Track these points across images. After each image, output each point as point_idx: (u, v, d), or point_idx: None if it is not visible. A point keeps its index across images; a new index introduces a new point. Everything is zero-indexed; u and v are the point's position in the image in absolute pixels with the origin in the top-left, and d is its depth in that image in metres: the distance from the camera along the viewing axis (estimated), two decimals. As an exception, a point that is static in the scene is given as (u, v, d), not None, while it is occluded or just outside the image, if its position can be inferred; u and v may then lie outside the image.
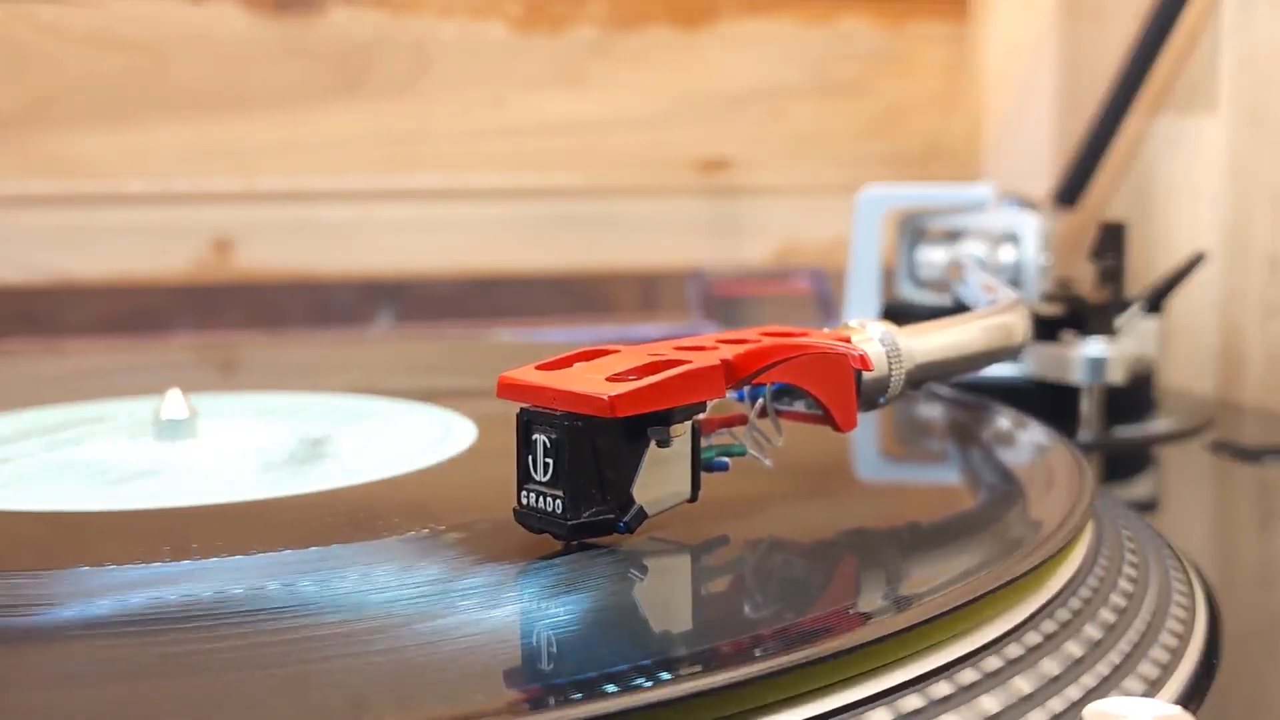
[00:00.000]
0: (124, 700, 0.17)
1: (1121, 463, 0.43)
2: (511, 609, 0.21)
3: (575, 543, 0.23)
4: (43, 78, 0.61)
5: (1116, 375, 0.44)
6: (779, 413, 0.26)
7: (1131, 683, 0.21)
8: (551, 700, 0.17)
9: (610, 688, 0.17)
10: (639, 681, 0.17)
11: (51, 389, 0.41)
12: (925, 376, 0.28)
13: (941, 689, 0.19)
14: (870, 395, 0.26)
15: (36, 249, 0.61)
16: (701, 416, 0.23)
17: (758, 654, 0.18)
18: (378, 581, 0.22)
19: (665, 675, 0.17)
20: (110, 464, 0.30)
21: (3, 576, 0.22)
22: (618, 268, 0.68)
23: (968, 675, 0.20)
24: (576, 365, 0.23)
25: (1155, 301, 0.47)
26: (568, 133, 0.67)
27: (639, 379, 0.22)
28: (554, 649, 0.19)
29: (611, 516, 0.22)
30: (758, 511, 0.26)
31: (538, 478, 0.22)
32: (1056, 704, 0.20)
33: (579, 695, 0.17)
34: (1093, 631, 0.23)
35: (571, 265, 0.68)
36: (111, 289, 0.62)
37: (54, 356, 0.55)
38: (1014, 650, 0.21)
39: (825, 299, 0.63)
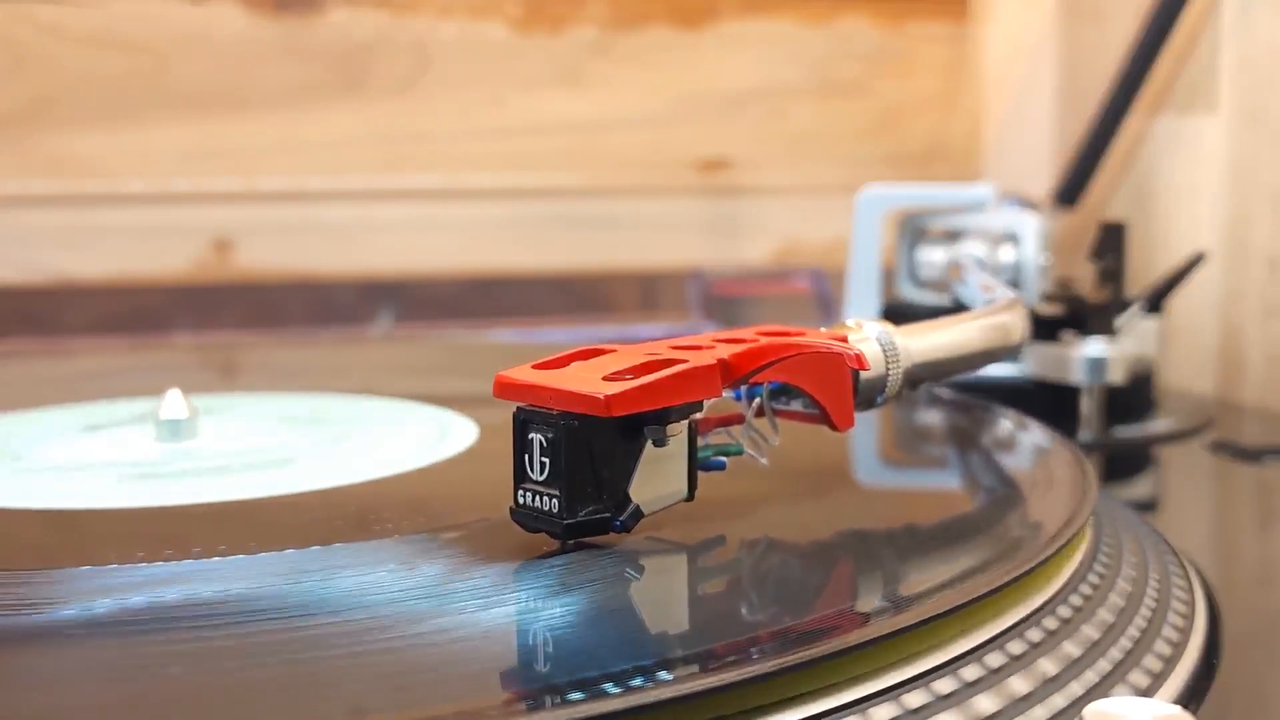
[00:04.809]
0: (125, 700, 0.17)
1: (1121, 463, 0.42)
2: (510, 609, 0.21)
3: (572, 542, 0.23)
4: (43, 78, 0.61)
5: (1116, 375, 0.44)
6: (776, 412, 0.26)
7: (1131, 682, 0.21)
8: (550, 700, 0.17)
9: (610, 687, 0.17)
10: (638, 681, 0.17)
11: (51, 389, 0.41)
12: (923, 376, 0.28)
13: (941, 687, 0.20)
14: (868, 395, 0.26)
15: (36, 249, 0.61)
16: (698, 416, 0.23)
17: (755, 655, 0.18)
18: (378, 581, 0.22)
19: (665, 675, 0.17)
20: (110, 464, 0.30)
21: (3, 576, 0.22)
22: (618, 268, 0.68)
23: (967, 674, 0.20)
24: (573, 365, 0.23)
25: (1155, 301, 0.47)
26: (567, 133, 0.67)
27: (635, 378, 0.22)
28: (553, 649, 0.19)
29: (608, 515, 0.22)
30: (755, 511, 0.26)
31: (534, 477, 0.22)
32: (1057, 703, 0.20)
33: (579, 695, 0.17)
34: (1092, 631, 0.23)
35: (571, 265, 0.68)
36: (111, 289, 0.62)
37: (54, 356, 0.55)
38: (1014, 649, 0.21)
39: (825, 299, 0.63)
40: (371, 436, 0.33)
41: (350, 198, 0.65)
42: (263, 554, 0.23)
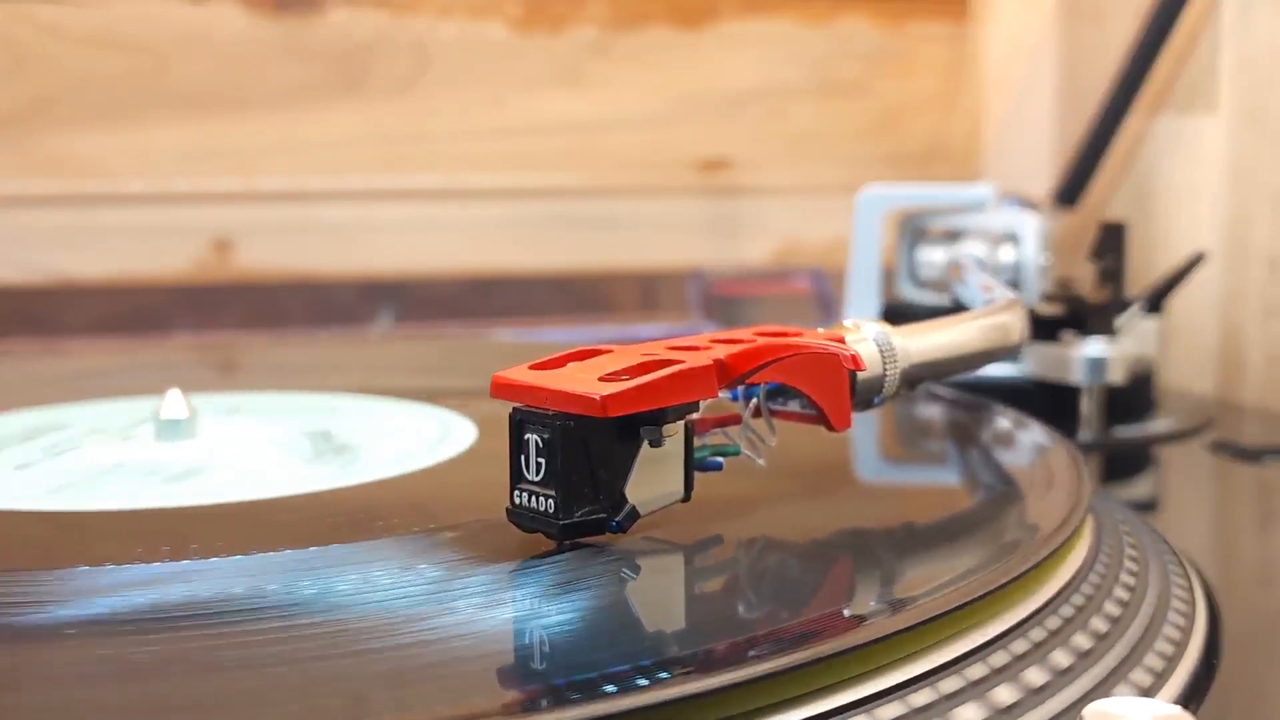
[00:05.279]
0: (124, 700, 0.17)
1: (1121, 463, 0.42)
2: (509, 610, 0.21)
3: (568, 542, 0.23)
4: (43, 78, 0.61)
5: (1116, 375, 0.43)
6: (773, 412, 0.26)
7: (1132, 682, 0.21)
8: (547, 701, 0.17)
9: (609, 688, 0.17)
10: (638, 682, 0.17)
11: (51, 389, 0.41)
12: (921, 376, 0.28)
13: (941, 688, 0.19)
14: (865, 395, 0.26)
15: (36, 249, 0.61)
16: (695, 416, 0.23)
17: (752, 655, 0.18)
18: (377, 582, 0.22)
19: (664, 676, 0.17)
20: (110, 464, 0.30)
21: (3, 576, 0.22)
22: (618, 268, 0.68)
23: (967, 675, 0.20)
24: (569, 365, 0.23)
25: (1155, 301, 0.47)
26: (568, 133, 0.67)
27: (631, 379, 0.22)
28: (550, 649, 0.19)
29: (604, 516, 0.22)
30: (752, 512, 0.26)
31: (530, 477, 0.22)
32: (1057, 704, 0.20)
33: (577, 696, 0.17)
34: (1093, 631, 0.23)
35: (571, 265, 0.68)
36: (111, 289, 0.62)
37: (54, 356, 0.55)
38: (1014, 650, 0.21)
39: (825, 299, 0.63)
40: (371, 436, 0.33)
41: (350, 198, 0.65)
42: (261, 554, 0.23)
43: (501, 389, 0.23)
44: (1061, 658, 0.21)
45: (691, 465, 0.24)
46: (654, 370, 0.22)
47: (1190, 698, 0.22)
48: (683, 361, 0.23)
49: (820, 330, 0.27)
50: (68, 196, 0.61)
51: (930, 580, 0.22)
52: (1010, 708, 0.20)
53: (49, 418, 0.36)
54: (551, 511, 0.22)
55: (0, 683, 0.18)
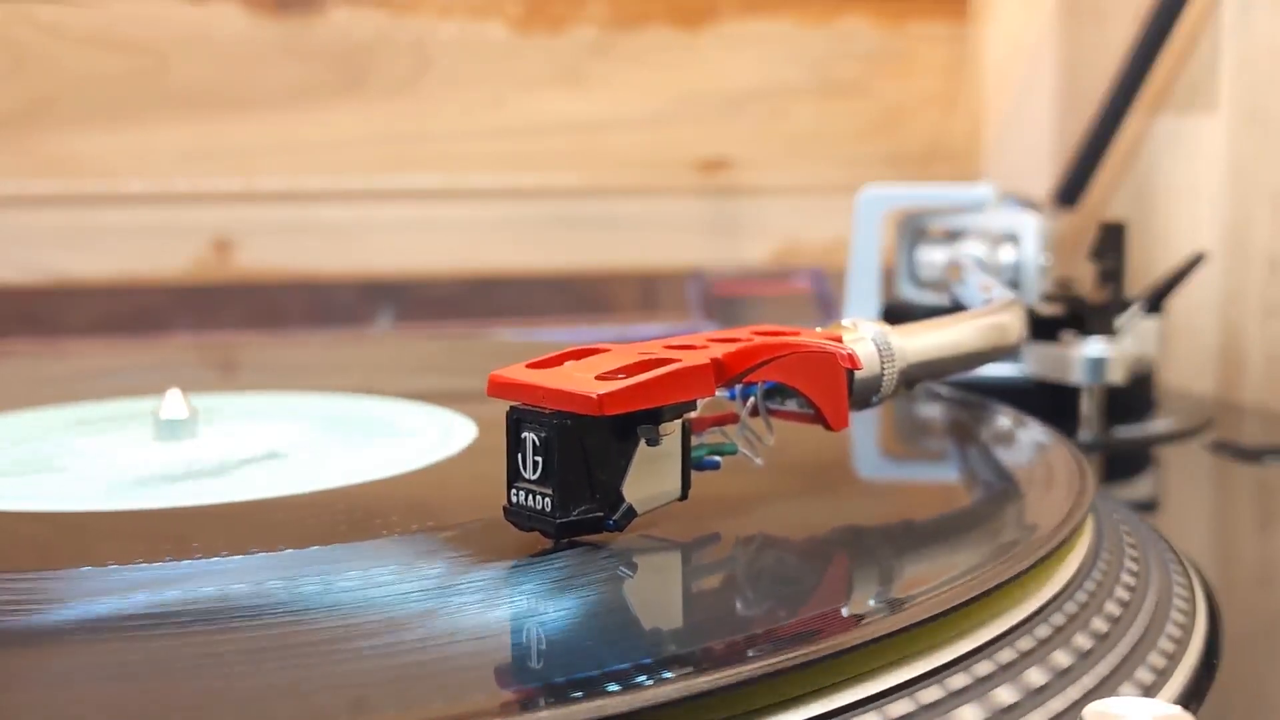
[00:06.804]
0: (125, 700, 0.17)
1: (1121, 463, 0.42)
2: (508, 608, 0.21)
3: (565, 541, 0.23)
4: (43, 78, 0.61)
5: (1116, 375, 0.43)
6: (771, 411, 0.26)
7: (1132, 682, 0.21)
8: (545, 700, 0.17)
9: (608, 687, 0.17)
10: (637, 680, 0.17)
11: (51, 389, 0.41)
12: (920, 376, 0.28)
13: (941, 688, 0.19)
14: (863, 394, 0.26)
15: (36, 249, 0.61)
16: (693, 415, 0.23)
17: (751, 654, 0.18)
18: (376, 581, 0.22)
19: (665, 675, 0.17)
20: (110, 464, 0.30)
21: (3, 576, 0.22)
22: (618, 268, 0.68)
23: (967, 675, 0.20)
24: (567, 364, 0.23)
25: (1155, 301, 0.47)
26: (567, 133, 0.67)
27: (628, 377, 0.22)
28: (550, 648, 0.19)
29: (600, 514, 0.22)
30: (750, 510, 0.26)
31: (527, 476, 0.22)
32: (1057, 704, 0.20)
33: (576, 695, 0.17)
34: (1093, 631, 0.23)
35: (571, 265, 0.68)
36: (111, 289, 0.62)
37: (54, 356, 0.55)
38: (1013, 651, 0.21)
39: (825, 299, 0.63)
40: (371, 436, 0.33)
41: (350, 198, 0.65)
42: (262, 554, 0.23)
43: (498, 388, 0.23)
44: (1061, 658, 0.21)
45: (689, 464, 0.24)
46: (651, 369, 0.22)
47: (1190, 698, 0.22)
48: (680, 360, 0.23)
49: (818, 330, 0.27)
50: (68, 196, 0.61)
51: (930, 579, 0.22)
52: (1011, 708, 0.20)
53: (49, 418, 0.36)
54: (549, 510, 0.22)
55: (0, 683, 0.18)
